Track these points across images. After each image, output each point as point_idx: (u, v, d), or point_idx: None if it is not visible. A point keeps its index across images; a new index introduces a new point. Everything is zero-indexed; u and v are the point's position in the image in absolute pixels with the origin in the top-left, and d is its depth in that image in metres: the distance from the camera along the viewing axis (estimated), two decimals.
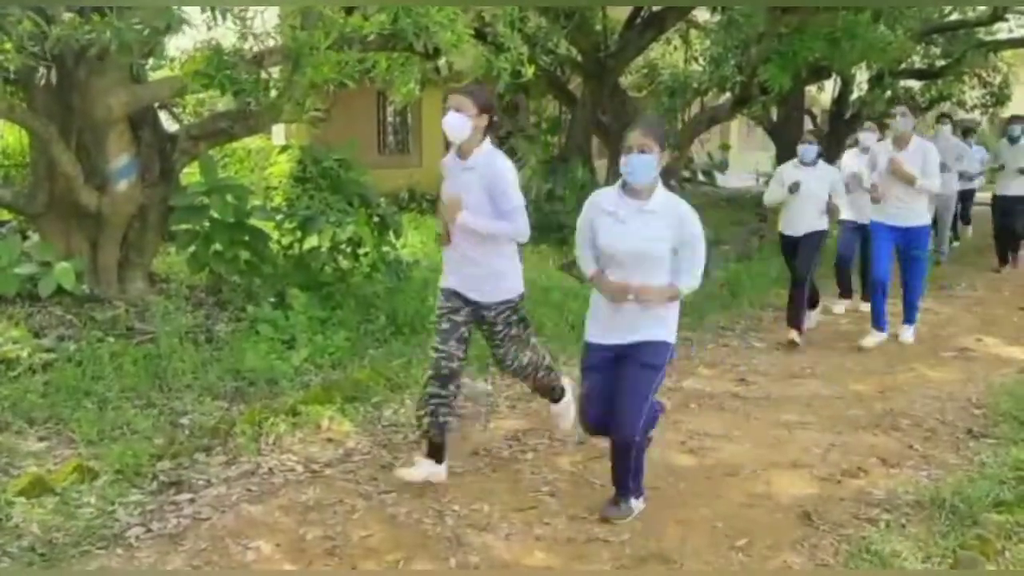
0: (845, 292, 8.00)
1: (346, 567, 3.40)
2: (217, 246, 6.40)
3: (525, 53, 6.12)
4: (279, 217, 6.73)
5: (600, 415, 3.65)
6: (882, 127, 7.12)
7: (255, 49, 5.86)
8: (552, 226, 9.49)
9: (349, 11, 5.77)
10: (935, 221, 10.26)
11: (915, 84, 17.39)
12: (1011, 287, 9.51)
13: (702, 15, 13.70)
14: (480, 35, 7.16)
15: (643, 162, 3.48)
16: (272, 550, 3.49)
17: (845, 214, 7.40)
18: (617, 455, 3.69)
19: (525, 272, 4.12)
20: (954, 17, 14.57)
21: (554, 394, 4.40)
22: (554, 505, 3.92)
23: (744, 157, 21.12)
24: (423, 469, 4.00)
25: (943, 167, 8.18)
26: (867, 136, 7.66)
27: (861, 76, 15.97)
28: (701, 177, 15.38)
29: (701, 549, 3.57)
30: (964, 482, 4.13)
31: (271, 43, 5.92)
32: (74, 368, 4.98)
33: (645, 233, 3.52)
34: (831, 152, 11.21)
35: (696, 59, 13.65)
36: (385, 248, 6.89)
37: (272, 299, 6.12)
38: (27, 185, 6.49)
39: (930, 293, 8.94)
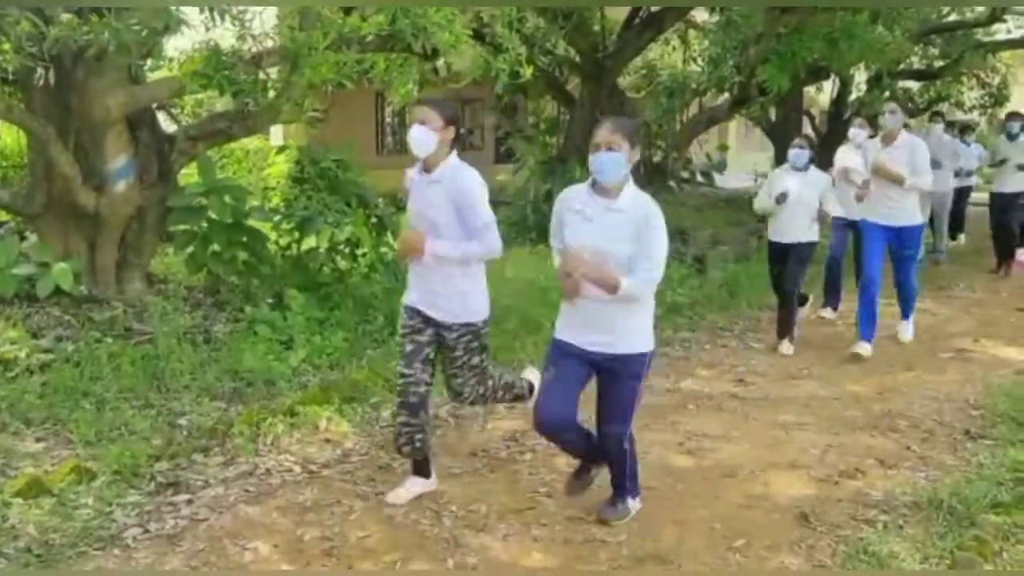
0: (832, 301, 7.83)
1: (344, 568, 3.40)
2: (215, 247, 6.40)
3: (523, 54, 6.14)
4: (277, 218, 6.73)
5: (555, 415, 3.54)
6: (873, 123, 7.02)
7: (253, 50, 5.86)
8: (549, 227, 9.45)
9: (347, 12, 5.77)
10: (931, 219, 10.29)
11: (913, 85, 17.40)
12: (1009, 288, 9.51)
13: (700, 15, 13.70)
14: (478, 36, 7.15)
15: (611, 160, 3.39)
16: (270, 551, 3.49)
17: (835, 211, 7.35)
18: (611, 462, 3.73)
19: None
20: (952, 18, 14.58)
21: (524, 397, 4.22)
22: (552, 506, 3.92)
23: (742, 158, 21.11)
24: (414, 488, 3.97)
25: (937, 164, 8.19)
26: (857, 132, 7.56)
27: (860, 77, 15.96)
28: (699, 178, 15.35)
29: (699, 550, 3.57)
30: (962, 483, 4.13)
31: (269, 44, 5.93)
32: (72, 369, 4.98)
33: (610, 232, 3.41)
34: (831, 153, 11.19)
35: (694, 60, 13.65)
36: (383, 249, 6.89)
37: (270, 300, 6.12)
38: (25, 186, 6.48)
39: (928, 294, 8.95)
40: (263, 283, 6.47)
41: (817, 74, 12.04)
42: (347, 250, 6.74)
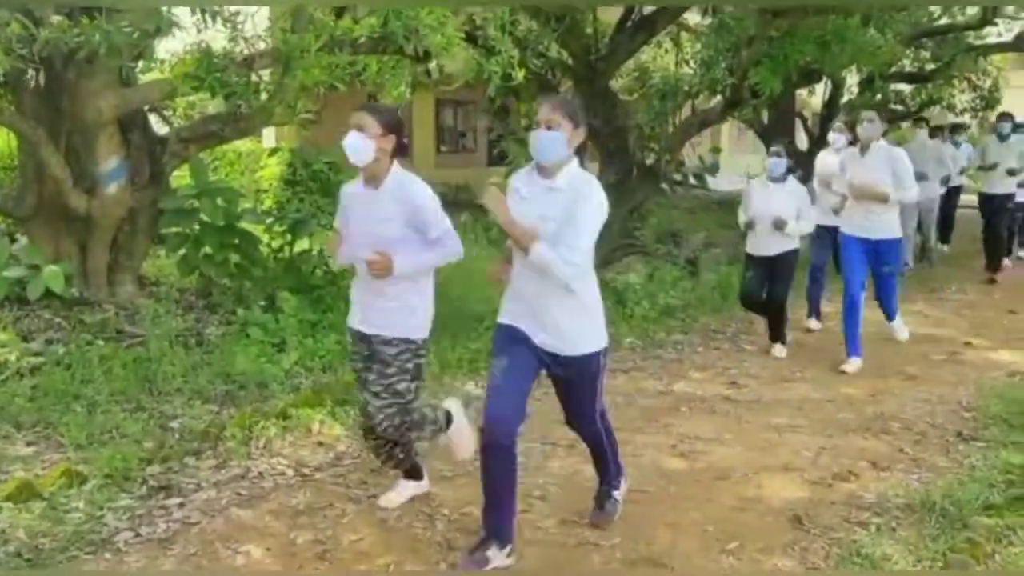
0: (814, 312, 7.68)
1: (336, 571, 3.39)
2: (207, 249, 6.38)
3: (515, 56, 6.14)
4: (269, 220, 6.71)
5: (504, 410, 3.31)
6: (852, 128, 6.89)
7: (245, 52, 5.85)
8: None
9: (339, 14, 5.76)
10: (919, 224, 10.29)
11: (905, 87, 17.47)
12: (1001, 290, 9.55)
13: (693, 18, 13.73)
14: (471, 38, 7.15)
15: (551, 138, 3.26)
16: (262, 554, 3.47)
17: (817, 220, 7.09)
18: (591, 449, 3.77)
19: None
20: (943, 21, 14.64)
21: (440, 430, 3.87)
22: (545, 509, 3.92)
23: (735, 160, 21.19)
24: (406, 491, 3.95)
25: (922, 176, 8.15)
26: (836, 137, 7.41)
27: (851, 80, 16.03)
28: (692, 180, 15.38)
29: (692, 553, 3.57)
30: (954, 485, 4.14)
31: (261, 46, 5.92)
32: (63, 372, 4.96)
33: (543, 212, 3.23)
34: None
35: (687, 62, 13.65)
36: None
37: (262, 302, 6.11)
38: (16, 188, 6.45)
39: (921, 296, 8.99)
40: (255, 285, 6.45)
41: (809, 77, 12.05)
42: None
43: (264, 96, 5.89)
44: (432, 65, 7.13)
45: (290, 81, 5.61)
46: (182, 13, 5.46)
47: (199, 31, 5.59)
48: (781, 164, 6.42)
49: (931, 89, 16.85)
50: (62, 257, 6.07)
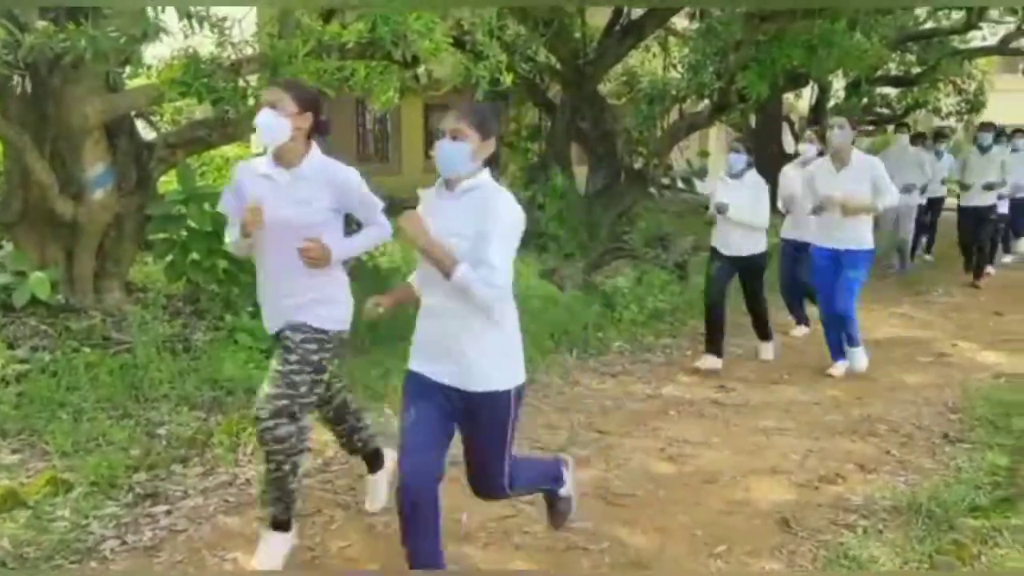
0: (800, 319, 7.58)
1: None
2: (195, 255, 6.35)
3: (504, 61, 6.14)
4: None
5: (417, 468, 2.88)
6: (823, 137, 6.73)
7: (233, 57, 5.83)
8: (531, 233, 9.46)
9: (327, 19, 5.75)
10: (896, 224, 10.26)
11: (891, 91, 17.59)
12: (987, 293, 9.61)
13: (681, 22, 13.79)
14: (459, 43, 7.14)
15: (454, 149, 2.89)
16: (250, 562, 3.46)
17: (785, 232, 7.15)
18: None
19: None
20: (929, 25, 14.76)
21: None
22: (533, 514, 3.91)
23: (723, 164, 21.27)
24: (381, 488, 3.90)
25: (906, 189, 8.13)
26: (808, 148, 7.03)
27: (838, 83, 16.13)
28: (680, 184, 15.42)
29: (680, 556, 3.57)
30: (940, 487, 4.17)
31: (249, 51, 5.90)
32: (48, 379, 4.92)
33: (451, 228, 2.89)
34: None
35: (675, 66, 13.72)
36: (364, 256, 6.87)
37: (250, 308, 6.06)
38: (1, 194, 6.41)
39: (907, 299, 9.05)
40: (243, 291, 6.42)
41: (796, 81, 12.13)
42: None
43: (252, 101, 5.87)
44: (420, 70, 7.12)
45: None
46: (169, 18, 5.45)
47: (186, 36, 5.55)
48: (740, 159, 6.32)
49: (917, 93, 16.99)
50: (48, 263, 6.03)
